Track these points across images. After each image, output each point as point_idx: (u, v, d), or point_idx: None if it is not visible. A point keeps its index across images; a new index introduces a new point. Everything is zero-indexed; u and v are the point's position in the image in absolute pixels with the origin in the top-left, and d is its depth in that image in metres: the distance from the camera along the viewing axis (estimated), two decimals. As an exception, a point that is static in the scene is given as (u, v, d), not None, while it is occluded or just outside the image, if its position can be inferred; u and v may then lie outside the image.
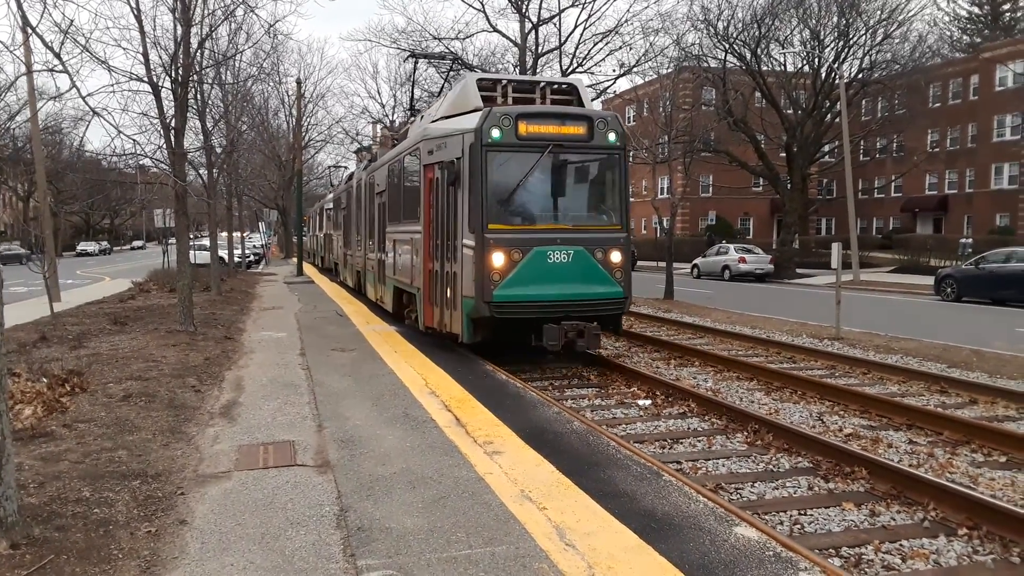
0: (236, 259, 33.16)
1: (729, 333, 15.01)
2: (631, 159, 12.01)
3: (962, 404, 9.34)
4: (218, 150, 18.75)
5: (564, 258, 10.20)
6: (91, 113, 10.60)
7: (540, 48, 27.32)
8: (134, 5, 11.93)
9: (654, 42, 29.01)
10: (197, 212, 34.15)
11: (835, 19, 35.67)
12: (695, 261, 38.07)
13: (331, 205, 30.13)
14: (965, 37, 62.01)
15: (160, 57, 12.94)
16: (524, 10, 26.37)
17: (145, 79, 12.08)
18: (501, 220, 10.25)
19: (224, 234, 29.53)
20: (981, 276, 22.47)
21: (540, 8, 26.57)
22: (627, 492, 5.29)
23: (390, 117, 39.27)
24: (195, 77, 13.76)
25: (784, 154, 38.95)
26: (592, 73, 35.61)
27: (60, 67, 9.63)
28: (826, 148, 41.05)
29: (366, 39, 75.02)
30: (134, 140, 12.16)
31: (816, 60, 36.97)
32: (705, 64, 35.99)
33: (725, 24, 34.97)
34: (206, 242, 26.84)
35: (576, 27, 27.64)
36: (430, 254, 11.40)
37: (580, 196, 11.35)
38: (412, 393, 8.25)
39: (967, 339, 13.84)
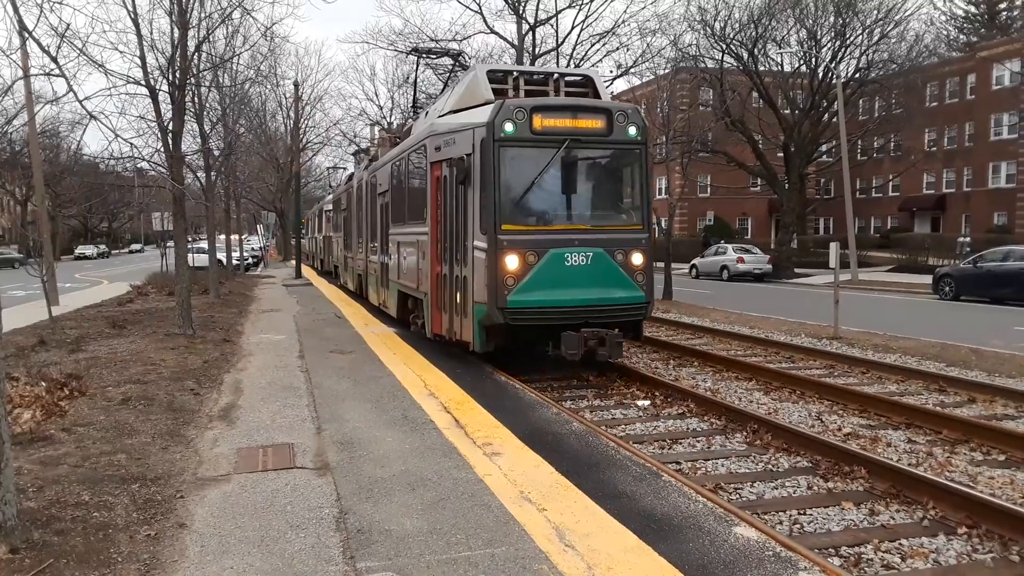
0: (235, 262, 33.15)
1: (728, 333, 15.02)
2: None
3: (961, 403, 9.35)
4: (216, 153, 18.73)
5: (582, 260, 9.64)
6: (88, 117, 10.60)
7: (537, 49, 27.38)
8: (131, 8, 11.94)
9: (651, 43, 29.11)
10: (195, 215, 34.14)
11: (832, 19, 35.77)
12: (693, 261, 38.09)
13: (330, 207, 29.86)
14: (962, 36, 62.12)
15: (157, 60, 12.94)
16: (521, 11, 26.43)
17: (142, 82, 12.08)
18: (515, 220, 9.68)
19: (222, 237, 29.53)
20: (979, 275, 22.49)
21: (537, 9, 26.66)
22: (627, 493, 5.29)
23: (388, 119, 39.34)
24: (192, 80, 13.76)
25: (782, 154, 39.00)
26: (589, 74, 35.53)
27: (57, 71, 9.63)
28: (824, 148, 41.13)
29: (364, 41, 75.29)
30: (131, 144, 12.10)
31: (813, 60, 37.05)
32: (702, 65, 36.03)
33: (722, 25, 35.04)
34: (204, 245, 26.81)
35: (573, 28, 27.73)
36: (438, 257, 10.84)
37: (599, 194, 10.71)
38: (411, 395, 8.25)
39: (965, 338, 13.86)
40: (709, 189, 54.13)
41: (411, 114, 17.91)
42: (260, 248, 50.46)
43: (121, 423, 7.00)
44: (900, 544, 5.20)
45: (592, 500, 5.01)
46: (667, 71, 29.17)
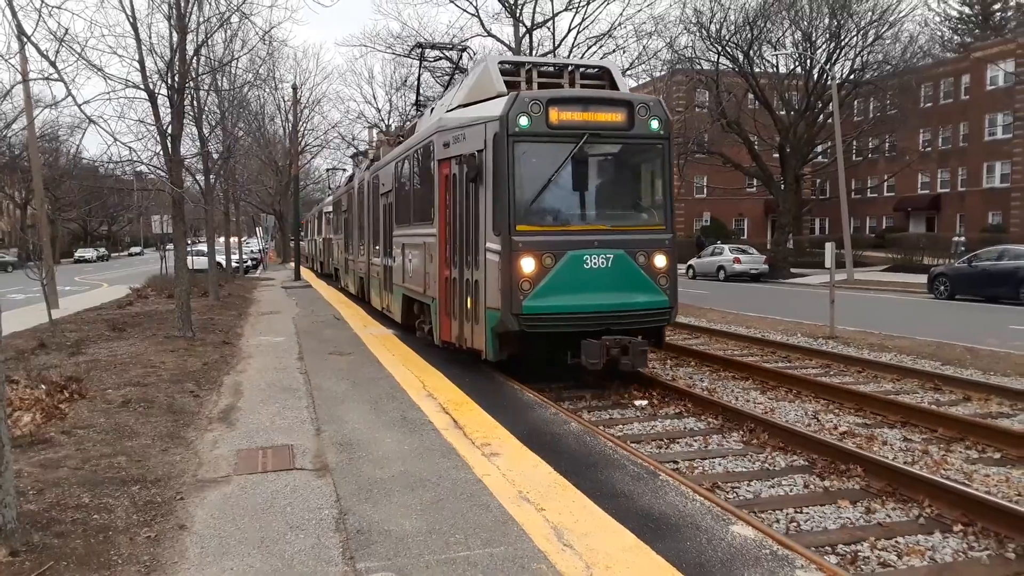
0: (234, 264, 33.15)
1: (724, 333, 15.06)
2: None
3: (956, 401, 9.40)
4: (215, 156, 18.74)
5: (602, 263, 9.07)
6: (87, 121, 10.61)
7: (534, 52, 27.41)
8: (129, 13, 11.97)
9: (647, 45, 29.30)
10: (195, 218, 34.14)
11: (826, 20, 35.88)
12: (690, 262, 38.15)
13: (330, 208, 29.54)
14: (956, 37, 62.30)
15: (156, 64, 12.97)
16: (518, 14, 26.47)
17: (141, 86, 12.11)
18: (530, 220, 9.12)
19: (222, 239, 29.54)
20: (974, 274, 22.57)
21: (534, 12, 26.71)
22: (624, 492, 5.33)
23: (386, 121, 39.35)
24: (191, 84, 13.78)
25: (777, 155, 39.12)
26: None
27: (56, 75, 9.65)
28: (819, 148, 41.21)
29: (361, 44, 75.13)
30: (130, 147, 12.17)
31: (808, 61, 37.16)
32: (698, 66, 36.15)
33: (718, 27, 35.15)
34: (204, 247, 26.82)
35: (570, 31, 27.78)
36: (446, 260, 10.32)
37: (619, 192, 10.19)
38: (410, 396, 8.28)
39: (960, 337, 13.91)
40: (705, 190, 54.20)
41: (413, 113, 17.76)
42: (259, 250, 50.42)
43: (121, 425, 7.02)
44: (896, 542, 5.23)
45: (590, 500, 5.04)
46: (663, 73, 29.28)
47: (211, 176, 18.56)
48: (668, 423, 8.47)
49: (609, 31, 27.72)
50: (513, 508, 4.89)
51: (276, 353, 11.46)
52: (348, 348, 11.83)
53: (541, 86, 10.14)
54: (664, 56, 30.99)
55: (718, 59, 36.25)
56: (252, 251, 48.23)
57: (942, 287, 23.61)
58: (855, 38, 35.98)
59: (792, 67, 38.14)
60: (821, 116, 38.25)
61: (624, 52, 28.96)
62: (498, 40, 28.00)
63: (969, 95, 47.66)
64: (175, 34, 12.51)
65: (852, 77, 37.27)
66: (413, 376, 9.45)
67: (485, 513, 4.82)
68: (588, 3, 26.71)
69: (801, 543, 4.82)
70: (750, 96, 38.30)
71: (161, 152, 12.85)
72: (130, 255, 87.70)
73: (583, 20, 27.62)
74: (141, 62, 12.07)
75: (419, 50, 16.91)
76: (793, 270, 37.49)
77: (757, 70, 37.12)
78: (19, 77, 14.12)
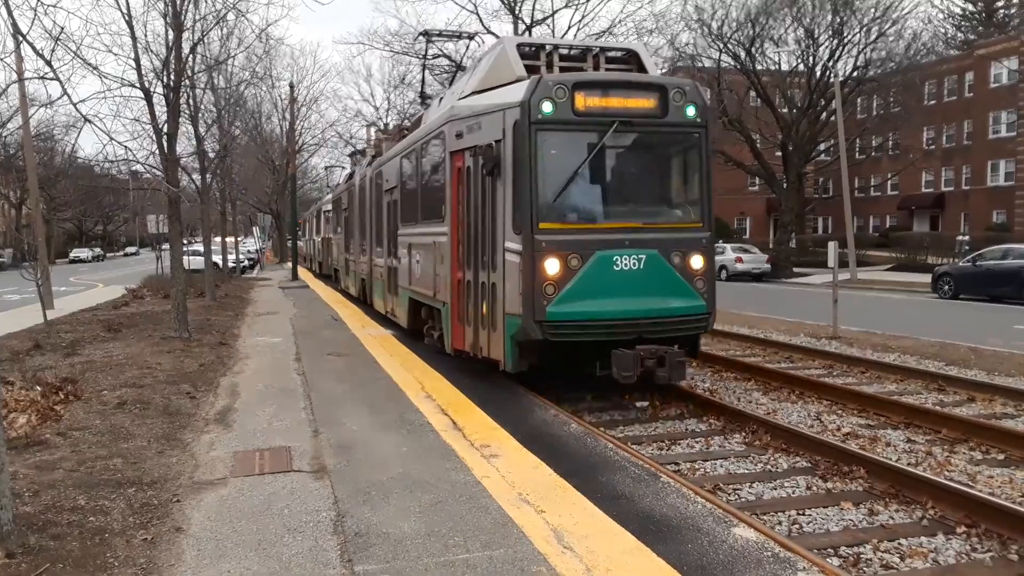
0: (231, 264, 33.11)
1: (726, 333, 15.00)
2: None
3: (960, 402, 9.34)
4: (211, 155, 18.69)
5: (634, 264, 8.28)
6: (83, 119, 10.56)
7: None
8: (125, 11, 11.92)
9: (648, 42, 29.11)
10: (191, 217, 34.10)
11: (829, 17, 35.81)
12: (692, 261, 38.01)
13: (330, 207, 28.89)
14: (960, 34, 62.17)
15: (152, 63, 12.92)
16: (518, 11, 26.43)
17: (137, 85, 12.06)
18: (555, 217, 8.35)
19: (218, 239, 29.49)
20: (978, 273, 22.51)
21: (534, 9, 26.68)
22: (625, 494, 5.28)
23: (384, 120, 39.32)
24: (187, 82, 13.73)
25: (780, 153, 39.05)
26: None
27: (51, 74, 9.60)
28: (822, 147, 41.16)
29: (359, 42, 75.17)
30: (126, 147, 12.11)
31: (811, 58, 37.08)
32: (700, 64, 36.08)
33: (719, 24, 35.09)
34: (200, 247, 26.76)
35: (569, 28, 27.76)
36: (459, 261, 9.57)
37: (652, 186, 9.36)
38: (408, 397, 8.22)
39: (964, 337, 13.85)
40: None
41: (412, 112, 17.52)
42: (256, 250, 50.41)
43: (117, 427, 6.97)
44: (899, 544, 5.19)
45: (591, 502, 4.99)
46: (664, 71, 29.17)
47: (207, 175, 18.49)
48: (669, 424, 8.42)
49: (609, 28, 27.74)
50: (513, 510, 4.83)
51: (273, 354, 11.41)
52: (346, 349, 11.77)
53: (563, 70, 9.37)
54: (665, 54, 31.03)
55: (720, 56, 36.20)
56: (249, 251, 48.21)
57: (946, 287, 23.55)
58: (858, 35, 35.92)
59: (794, 64, 38.08)
60: (824, 114, 38.20)
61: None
62: (497, 38, 27.93)
63: (973, 93, 47.59)
64: (171, 32, 12.44)
65: (855, 74, 37.21)
66: (412, 377, 9.39)
67: (484, 515, 4.76)
68: (587, 0, 26.69)
69: (803, 545, 4.77)
70: (752, 94, 38.24)
71: (157, 151, 12.80)
72: (126, 255, 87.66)
73: (583, 17, 27.70)
74: (137, 60, 12.03)
75: (424, 38, 16.20)
76: (796, 269, 37.45)
77: (759, 67, 37.06)
78: (14, 76, 14.06)
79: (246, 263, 42.51)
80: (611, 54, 9.94)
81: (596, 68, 9.60)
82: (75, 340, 12.59)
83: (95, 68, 11.01)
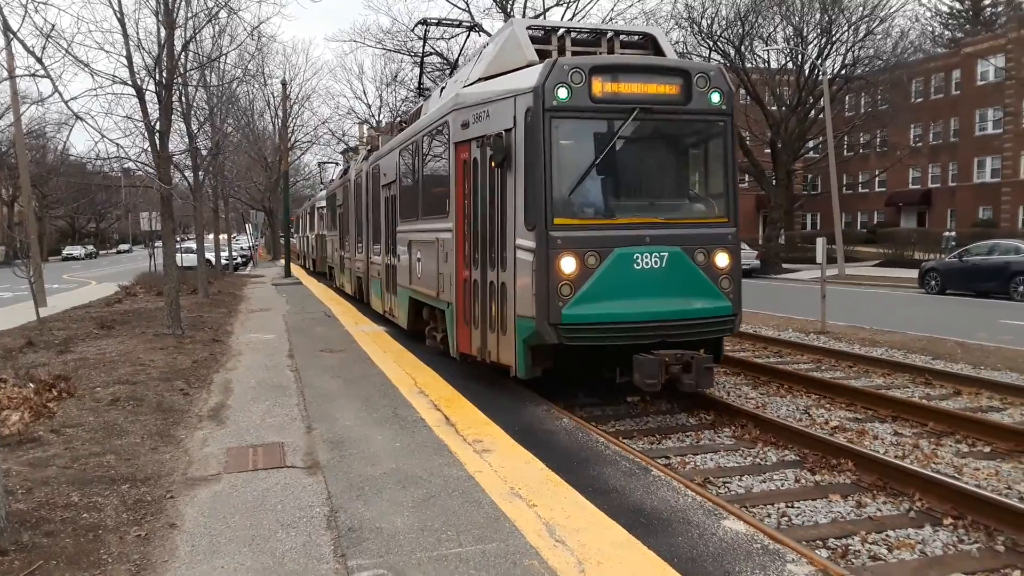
0: (223, 261, 33.02)
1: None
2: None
3: (946, 395, 9.44)
4: (204, 152, 18.65)
5: (656, 263, 7.75)
6: (74, 117, 10.55)
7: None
8: (117, 8, 11.89)
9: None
10: (184, 215, 33.99)
11: (818, 16, 36.01)
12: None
13: (324, 203, 28.26)
14: (947, 32, 62.48)
15: (144, 60, 12.90)
16: (509, 9, 26.43)
17: (129, 82, 12.04)
18: (570, 212, 7.81)
19: (211, 236, 29.41)
20: (964, 269, 22.68)
21: (525, 7, 26.65)
22: (616, 488, 5.33)
23: (377, 117, 39.25)
24: (180, 79, 13.70)
25: (769, 150, 39.26)
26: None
27: (42, 72, 9.58)
28: (810, 144, 41.39)
29: (351, 40, 74.96)
30: (117, 144, 12.07)
31: (799, 57, 37.28)
32: (690, 61, 36.08)
33: (709, 22, 35.24)
34: (193, 244, 26.68)
35: (560, 26, 27.68)
36: (465, 259, 9.03)
37: (674, 178, 8.81)
38: (401, 393, 8.26)
39: (951, 331, 13.96)
40: (697, 186, 54.24)
41: (404, 109, 17.34)
42: (249, 247, 50.26)
43: (110, 424, 6.98)
44: (887, 536, 5.25)
45: (582, 496, 5.04)
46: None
47: (200, 172, 18.47)
48: (660, 419, 8.47)
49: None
50: (505, 504, 4.88)
51: (267, 351, 11.42)
52: (339, 345, 11.79)
53: (575, 55, 8.84)
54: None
55: (709, 54, 36.34)
56: (242, 248, 48.06)
57: (933, 282, 23.72)
58: (846, 33, 36.16)
59: (783, 62, 38.26)
60: (812, 111, 38.41)
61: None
62: (489, 36, 27.94)
63: (960, 90, 47.84)
64: (163, 29, 12.43)
65: (843, 72, 37.44)
66: (404, 373, 9.42)
67: (477, 510, 4.81)
68: (579, -2, 26.72)
69: (792, 537, 4.84)
70: (741, 91, 38.37)
71: (149, 148, 12.78)
72: (119, 252, 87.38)
73: (574, 15, 27.62)
74: (129, 58, 12.01)
75: (423, 27, 15.50)
76: (785, 265, 37.62)
77: (748, 65, 37.22)
78: (5, 73, 14.00)
79: (239, 260, 42.39)
80: (626, 38, 9.43)
81: (611, 52, 9.08)
82: (68, 337, 12.57)
83: (86, 65, 11.02)
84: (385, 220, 13.93)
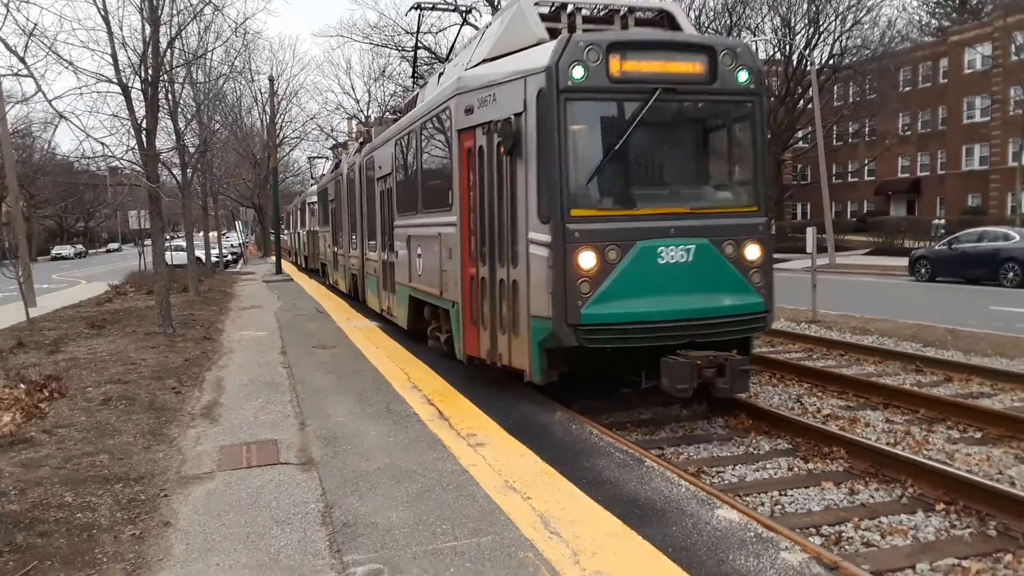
0: (214, 259, 32.89)
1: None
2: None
3: (938, 382, 9.50)
4: (191, 150, 18.56)
5: (681, 256, 7.20)
6: (59, 116, 10.47)
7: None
8: (101, 6, 11.81)
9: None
10: (173, 213, 33.83)
11: (805, 6, 36.06)
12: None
13: (315, 198, 27.65)
14: (934, 21, 62.59)
15: (129, 58, 12.81)
16: (496, 3, 26.35)
17: (114, 80, 11.97)
18: (588, 203, 7.23)
19: (200, 234, 29.28)
20: (954, 256, 22.81)
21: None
22: (611, 479, 5.35)
23: (365, 112, 39.12)
24: (166, 77, 13.62)
25: (759, 141, 39.25)
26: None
27: (25, 71, 9.51)
28: (799, 134, 41.53)
29: (338, 35, 74.70)
30: (102, 143, 12.01)
31: (787, 47, 37.37)
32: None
33: (697, 13, 35.20)
34: (182, 242, 26.54)
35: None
36: (471, 255, 8.47)
37: (699, 164, 8.20)
38: (394, 388, 8.25)
39: (941, 318, 14.04)
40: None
41: (392, 104, 17.20)
42: (239, 244, 50.11)
43: (102, 423, 6.95)
44: (879, 522, 5.29)
45: (577, 487, 5.05)
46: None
47: (188, 170, 18.38)
48: (653, 410, 8.49)
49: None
50: (500, 497, 4.89)
51: (258, 348, 11.39)
52: (331, 341, 11.77)
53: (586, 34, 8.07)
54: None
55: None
56: (232, 245, 47.89)
57: (923, 270, 23.84)
58: (834, 23, 36.27)
59: (771, 53, 38.31)
60: (801, 101, 38.52)
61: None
62: (476, 29, 27.87)
63: (947, 79, 48.02)
64: (148, 27, 12.35)
65: (831, 62, 37.59)
66: (397, 368, 9.42)
67: (471, 503, 4.81)
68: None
69: (785, 525, 4.87)
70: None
71: (136, 147, 12.71)
72: (108, 251, 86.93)
73: None
74: (114, 56, 11.93)
75: (416, 11, 15.30)
76: (775, 255, 37.59)
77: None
78: (-12, 72, 13.89)
79: (229, 258, 42.27)
80: (641, 15, 8.82)
81: (624, 30, 8.48)
82: (59, 337, 12.51)
83: (70, 64, 10.93)
84: (381, 214, 13.41)
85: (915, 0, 62.47)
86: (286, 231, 43.15)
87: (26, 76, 9.59)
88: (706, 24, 35.47)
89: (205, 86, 18.58)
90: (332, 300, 18.62)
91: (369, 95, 41.97)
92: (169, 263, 14.19)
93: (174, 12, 13.10)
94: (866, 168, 51.77)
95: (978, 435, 7.27)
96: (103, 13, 11.83)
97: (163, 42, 12.76)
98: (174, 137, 17.37)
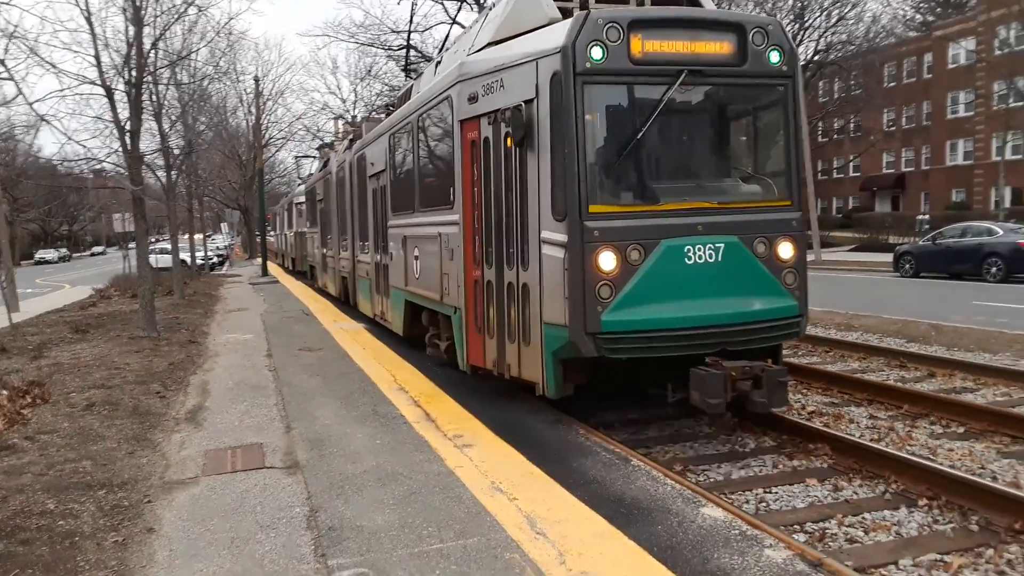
0: (199, 261, 32.72)
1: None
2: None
3: (921, 378, 9.57)
4: (176, 152, 18.45)
5: (710, 255, 6.55)
6: (40, 119, 10.39)
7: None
8: (84, 7, 11.72)
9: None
10: (157, 215, 33.62)
11: (790, 2, 36.17)
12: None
13: (303, 199, 27.01)
14: (918, 16, 62.96)
15: (112, 59, 12.71)
16: (483, 1, 26.32)
17: (98, 82, 11.88)
18: (609, 198, 6.65)
19: (186, 236, 29.13)
20: (938, 252, 22.97)
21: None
22: (597, 479, 5.36)
23: (352, 112, 39.00)
24: (150, 78, 13.53)
25: (744, 137, 39.40)
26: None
27: (5, 74, 9.43)
28: (785, 130, 41.58)
29: (324, 34, 74.44)
30: (84, 146, 11.94)
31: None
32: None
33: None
34: (167, 245, 26.40)
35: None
36: (476, 256, 7.80)
37: (728, 154, 7.57)
38: (381, 390, 8.24)
39: (925, 314, 14.13)
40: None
41: (379, 104, 17.03)
42: (225, 247, 49.86)
43: (86, 429, 6.91)
44: (863, 518, 5.32)
45: (563, 488, 5.06)
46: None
47: (173, 172, 18.28)
48: (639, 409, 8.48)
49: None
50: (486, 499, 4.89)
51: (244, 351, 11.34)
52: (318, 344, 11.73)
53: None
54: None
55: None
56: (218, 247, 47.65)
57: (907, 265, 24.00)
58: (819, 19, 36.40)
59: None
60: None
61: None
62: (463, 28, 27.84)
63: (931, 74, 48.35)
64: (131, 28, 12.26)
65: (816, 58, 37.74)
66: (384, 370, 9.40)
67: (458, 505, 4.81)
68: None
69: (770, 523, 4.90)
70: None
71: (120, 149, 12.62)
72: (92, 255, 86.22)
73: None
74: (97, 57, 11.85)
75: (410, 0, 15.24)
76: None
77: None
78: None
79: (215, 260, 42.05)
80: None
81: (641, 6, 7.76)
82: (42, 342, 12.41)
83: (52, 66, 10.84)
84: (374, 214, 12.69)
85: (899, -4, 62.84)
86: (272, 233, 42.92)
87: (6, 79, 9.51)
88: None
89: (190, 87, 18.47)
90: (319, 302, 18.57)
91: (355, 95, 41.89)
92: (154, 266, 14.11)
93: (158, 13, 13.03)
94: (851, 164, 52.09)
95: (961, 430, 7.33)
96: (86, 14, 11.76)
97: (147, 43, 12.67)
98: (158, 139, 17.27)
